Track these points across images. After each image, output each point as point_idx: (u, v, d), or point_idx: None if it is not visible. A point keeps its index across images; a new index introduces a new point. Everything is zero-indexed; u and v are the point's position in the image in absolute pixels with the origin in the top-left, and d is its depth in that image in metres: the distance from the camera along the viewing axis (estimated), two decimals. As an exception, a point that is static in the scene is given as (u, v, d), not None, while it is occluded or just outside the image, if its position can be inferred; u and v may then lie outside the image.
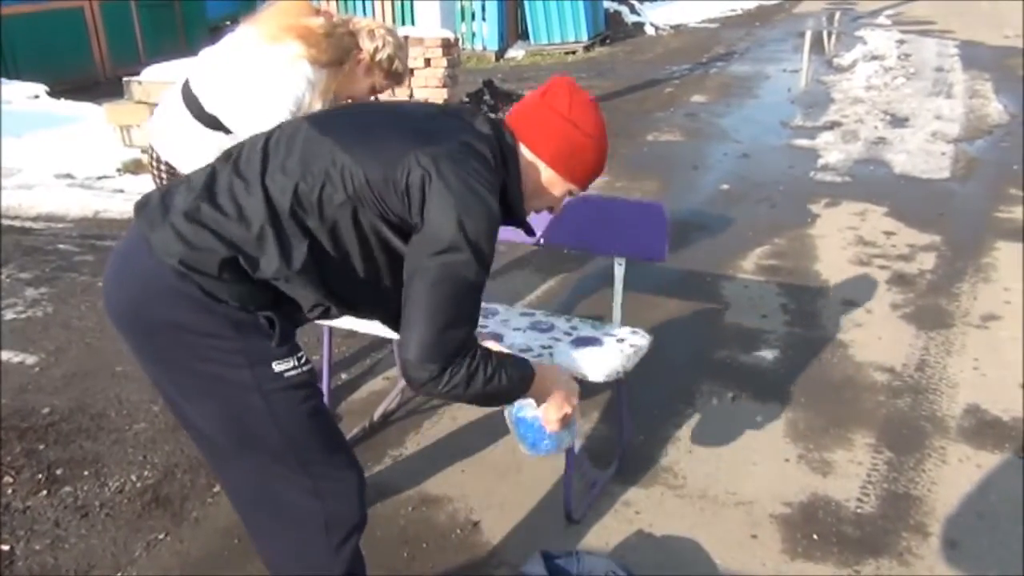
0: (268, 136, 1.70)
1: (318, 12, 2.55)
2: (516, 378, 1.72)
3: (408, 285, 1.60)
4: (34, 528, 2.59)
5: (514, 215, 1.77)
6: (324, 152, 1.61)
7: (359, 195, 1.58)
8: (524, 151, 1.76)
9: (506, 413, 1.95)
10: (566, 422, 1.87)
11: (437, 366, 1.58)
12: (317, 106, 2.54)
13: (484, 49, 12.21)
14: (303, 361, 1.68)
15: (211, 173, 1.66)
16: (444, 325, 1.57)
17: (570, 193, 1.84)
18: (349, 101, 2.70)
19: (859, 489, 2.74)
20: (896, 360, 3.53)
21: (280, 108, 2.41)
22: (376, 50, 2.60)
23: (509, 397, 1.77)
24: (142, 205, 1.67)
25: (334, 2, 12.07)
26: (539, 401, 1.84)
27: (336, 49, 2.51)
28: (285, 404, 1.65)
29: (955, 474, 2.80)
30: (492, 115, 1.81)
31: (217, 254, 1.55)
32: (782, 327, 3.84)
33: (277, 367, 1.63)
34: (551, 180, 1.78)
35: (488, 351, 1.68)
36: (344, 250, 1.63)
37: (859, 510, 2.64)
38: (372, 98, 2.81)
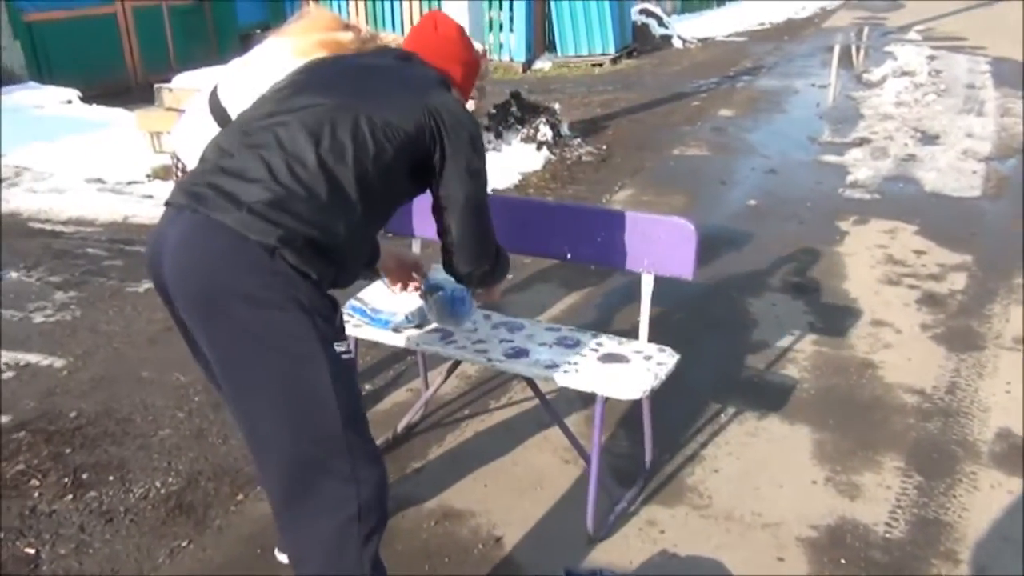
0: (291, 108, 1.87)
1: (347, 26, 2.56)
2: (507, 261, 2.31)
3: (448, 204, 2.00)
4: (59, 532, 2.60)
5: None
6: (363, 115, 1.85)
7: (401, 142, 1.87)
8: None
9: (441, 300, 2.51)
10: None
11: (486, 261, 2.14)
12: None
13: (511, 60, 12.23)
14: (350, 347, 1.89)
15: (262, 160, 1.79)
16: (482, 227, 2.08)
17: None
18: None
19: (888, 513, 2.70)
20: (926, 382, 3.48)
21: None
22: None
23: (502, 276, 2.33)
24: (198, 198, 1.77)
25: (362, 16, 12.18)
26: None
27: None
28: (345, 382, 1.82)
29: (986, 500, 2.75)
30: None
31: (299, 232, 1.73)
32: (810, 346, 3.80)
33: (338, 348, 1.81)
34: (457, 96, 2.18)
35: None
36: (382, 193, 1.90)
37: (888, 535, 2.60)
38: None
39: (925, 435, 3.12)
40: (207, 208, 1.74)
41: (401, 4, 12.08)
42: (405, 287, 2.51)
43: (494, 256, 2.17)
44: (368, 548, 1.87)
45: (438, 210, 2.04)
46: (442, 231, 2.07)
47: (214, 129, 2.58)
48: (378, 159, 1.84)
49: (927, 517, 2.68)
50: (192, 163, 2.66)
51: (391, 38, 2.63)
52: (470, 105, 2.26)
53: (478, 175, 2.00)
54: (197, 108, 2.65)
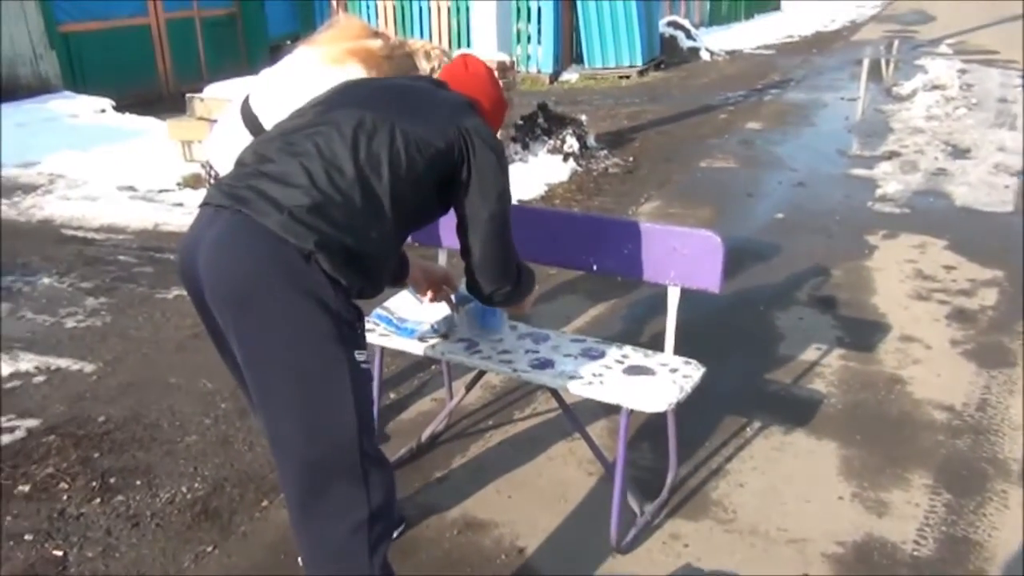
0: (330, 120, 1.93)
1: (376, 34, 2.58)
2: (533, 279, 2.36)
3: (472, 224, 2.06)
4: (87, 535, 2.63)
5: None
6: (399, 130, 1.91)
7: (432, 158, 1.94)
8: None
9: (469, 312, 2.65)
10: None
11: (510, 281, 2.19)
12: None
13: (538, 72, 12.27)
14: (369, 357, 1.92)
15: (303, 166, 1.84)
16: (505, 246, 2.13)
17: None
18: None
19: (916, 531, 2.66)
20: (956, 399, 3.43)
21: None
22: (433, 70, 2.61)
23: (528, 295, 2.38)
24: (240, 199, 1.82)
25: (391, 21, 12.29)
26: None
27: (396, 71, 2.53)
28: (363, 389, 1.88)
29: (1017, 519, 2.71)
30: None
31: (335, 239, 1.79)
32: (837, 361, 3.76)
33: (359, 356, 1.86)
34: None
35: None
36: (412, 206, 1.96)
37: (916, 553, 2.57)
38: None
39: (955, 452, 3.08)
40: (249, 209, 1.78)
41: (429, 9, 12.18)
42: (435, 297, 2.59)
43: (515, 277, 2.22)
44: (378, 553, 1.91)
45: (462, 229, 2.10)
46: (465, 250, 2.13)
47: (246, 138, 2.62)
48: (410, 171, 1.90)
49: (956, 535, 2.64)
50: (224, 170, 2.69)
51: (419, 45, 2.65)
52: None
53: (501, 197, 2.07)
54: (230, 117, 2.69)
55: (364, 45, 2.50)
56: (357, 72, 2.47)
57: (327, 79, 2.49)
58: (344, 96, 2.07)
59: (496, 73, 2.41)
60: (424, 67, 2.61)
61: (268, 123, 2.57)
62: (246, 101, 2.65)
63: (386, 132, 1.90)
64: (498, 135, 2.28)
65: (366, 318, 2.06)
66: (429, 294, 2.59)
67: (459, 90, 2.21)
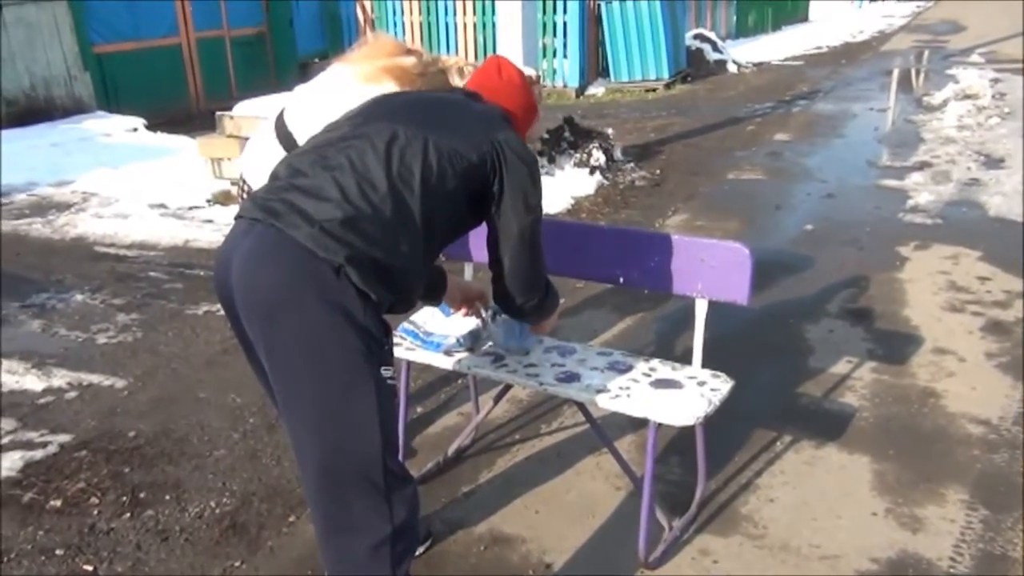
0: (363, 134, 1.94)
1: (409, 51, 2.60)
2: (557, 297, 2.37)
3: (503, 235, 2.08)
4: (117, 550, 2.65)
5: None
6: (431, 143, 1.92)
7: (464, 171, 1.95)
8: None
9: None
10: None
11: (538, 293, 2.21)
12: None
13: (565, 86, 12.29)
14: (395, 373, 1.93)
15: (335, 180, 1.85)
16: (534, 258, 2.14)
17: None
18: None
19: (952, 548, 2.60)
20: (992, 412, 3.37)
21: None
22: (466, 86, 2.62)
23: (552, 311, 2.41)
24: (273, 212, 1.82)
25: (418, 42, 12.37)
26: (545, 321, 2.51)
27: (429, 88, 2.55)
28: (387, 406, 1.88)
29: (1057, 536, 2.64)
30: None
31: (366, 253, 1.79)
32: (869, 374, 3.71)
33: (384, 372, 1.86)
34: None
35: None
36: (444, 220, 1.97)
37: (952, 570, 2.51)
38: None
39: (991, 467, 3.02)
40: (281, 223, 1.79)
41: (456, 25, 12.26)
42: (468, 312, 2.63)
43: (544, 289, 2.23)
44: (400, 570, 1.91)
45: (492, 241, 2.11)
46: (494, 261, 2.14)
47: (280, 153, 2.64)
48: (442, 185, 1.91)
49: (993, 552, 2.58)
50: (258, 186, 2.72)
51: (452, 62, 2.66)
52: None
53: (533, 210, 2.08)
54: (264, 133, 2.72)
55: (398, 63, 2.52)
56: (391, 90, 2.49)
57: (361, 97, 2.51)
58: (378, 110, 2.08)
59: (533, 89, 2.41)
60: (458, 83, 2.62)
61: (302, 139, 2.59)
62: (280, 117, 2.68)
63: (419, 146, 1.91)
64: (528, 145, 2.29)
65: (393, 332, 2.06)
66: (463, 309, 2.61)
67: (492, 99, 2.22)
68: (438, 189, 1.91)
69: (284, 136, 2.64)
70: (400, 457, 2.12)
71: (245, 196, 2.77)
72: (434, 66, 2.59)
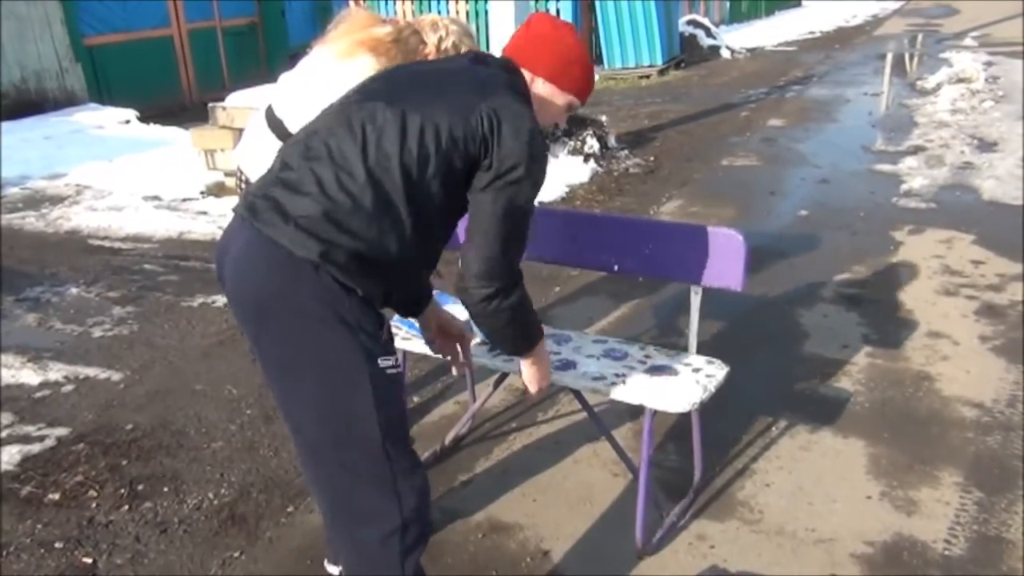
0: (346, 118, 1.84)
1: (384, 21, 2.58)
2: (536, 328, 2.06)
3: (476, 210, 1.85)
4: (116, 542, 2.66)
5: None
6: (411, 121, 1.79)
7: (448, 149, 1.79)
8: (525, 74, 2.02)
9: None
10: (541, 393, 2.25)
11: (497, 283, 1.86)
12: None
13: (558, 74, 12.25)
14: (398, 361, 1.89)
15: (313, 172, 1.78)
16: (505, 241, 1.84)
17: (570, 107, 2.09)
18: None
19: (947, 530, 2.62)
20: (985, 395, 3.38)
21: None
22: (440, 39, 2.57)
23: (526, 343, 2.06)
24: (253, 211, 1.79)
25: (409, 17, 12.32)
26: (522, 357, 2.13)
27: (405, 52, 2.53)
28: (387, 395, 1.83)
29: (1051, 517, 2.66)
30: (498, 59, 2.06)
31: (346, 247, 1.74)
32: (864, 358, 3.72)
33: (383, 363, 1.82)
34: (551, 92, 2.04)
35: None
36: (435, 205, 1.83)
37: (946, 552, 2.53)
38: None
39: (985, 450, 3.03)
40: (260, 222, 1.77)
41: (448, 12, 12.21)
42: (444, 350, 2.31)
43: (509, 286, 1.88)
44: (410, 560, 1.90)
45: (471, 217, 1.87)
46: (465, 244, 1.88)
47: (274, 143, 2.64)
48: (423, 168, 1.78)
49: (988, 534, 2.60)
50: (255, 176, 2.71)
51: (428, 19, 2.63)
52: (560, 101, 2.13)
53: (520, 182, 1.82)
54: (257, 125, 2.72)
55: (371, 34, 2.51)
56: (367, 62, 2.47)
57: (338, 75, 2.51)
58: (370, 86, 1.95)
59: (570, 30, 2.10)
60: (431, 39, 2.58)
61: (292, 126, 2.60)
62: (270, 108, 2.67)
63: (396, 126, 1.77)
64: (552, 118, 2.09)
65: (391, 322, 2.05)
66: (437, 342, 2.29)
67: (514, 58, 2.02)
68: (420, 173, 1.77)
69: (276, 126, 2.64)
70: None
71: (243, 185, 2.77)
72: (408, 29, 2.56)
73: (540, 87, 2.03)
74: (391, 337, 1.88)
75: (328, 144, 1.80)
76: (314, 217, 1.73)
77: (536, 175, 1.85)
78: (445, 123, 1.78)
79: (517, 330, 1.99)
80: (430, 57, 2.61)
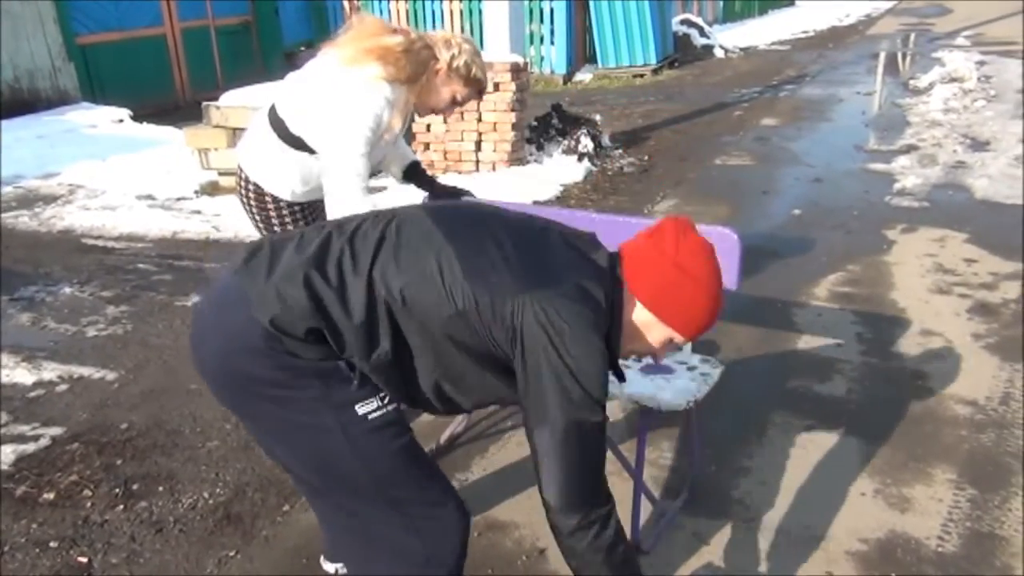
0: (391, 217, 1.68)
1: (395, 31, 2.59)
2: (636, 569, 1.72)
3: (535, 434, 1.58)
4: (111, 542, 2.65)
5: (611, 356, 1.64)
6: (443, 259, 1.58)
7: (466, 314, 1.56)
8: (626, 289, 1.66)
9: None
10: None
11: (580, 514, 1.59)
12: (397, 124, 2.60)
13: (552, 73, 12.28)
14: (387, 400, 1.67)
15: (325, 240, 1.65)
16: (578, 469, 1.58)
17: (671, 341, 1.72)
18: (432, 113, 2.78)
19: (940, 527, 2.64)
20: (979, 393, 3.40)
21: (360, 129, 2.47)
22: (453, 58, 2.62)
23: None
24: (251, 255, 1.68)
25: (403, 17, 12.32)
26: None
27: (414, 64, 2.55)
28: (371, 445, 1.65)
29: (1044, 514, 2.68)
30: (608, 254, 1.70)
31: (308, 322, 1.57)
32: (858, 356, 3.74)
33: (361, 409, 1.63)
34: (648, 323, 1.68)
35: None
36: (429, 356, 1.62)
37: (940, 549, 2.54)
38: (456, 111, 2.83)
39: (978, 447, 3.05)
40: (246, 273, 1.65)
41: (442, 11, 12.21)
42: None
43: (600, 514, 1.61)
44: None
45: (527, 431, 1.63)
46: (531, 450, 1.63)
47: (275, 142, 2.65)
48: (425, 327, 1.59)
49: (981, 531, 2.61)
50: (256, 176, 2.71)
51: (440, 35, 2.65)
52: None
53: (568, 406, 1.54)
54: (258, 123, 2.72)
55: (380, 42, 2.51)
56: (374, 70, 2.49)
57: (345, 80, 2.52)
58: (452, 217, 1.69)
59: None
60: (444, 56, 2.61)
61: (294, 127, 2.60)
62: (273, 107, 2.68)
63: (438, 264, 1.57)
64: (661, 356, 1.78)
65: None
66: None
67: (625, 260, 1.67)
68: (428, 312, 1.57)
69: (278, 126, 2.64)
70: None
71: (242, 184, 2.77)
72: (420, 42, 2.58)
73: (638, 312, 1.67)
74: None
75: (360, 227, 1.67)
76: (293, 281, 1.59)
77: (597, 399, 1.57)
78: (473, 288, 1.56)
79: (619, 568, 1.65)
80: (440, 73, 2.63)
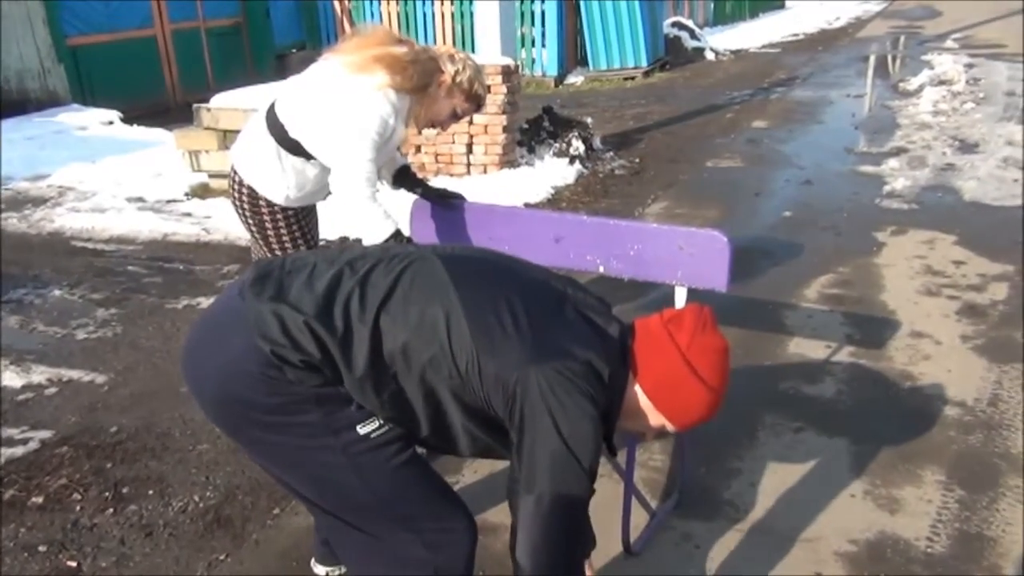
0: (405, 263, 1.67)
1: (401, 40, 2.60)
2: None
3: (522, 499, 1.58)
4: (100, 545, 2.64)
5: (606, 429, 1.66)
6: (452, 317, 1.57)
7: (468, 376, 1.57)
8: (632, 370, 1.69)
9: None
10: None
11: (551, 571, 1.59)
12: (401, 131, 2.62)
13: (543, 75, 12.29)
14: (381, 424, 1.67)
15: (336, 278, 1.65)
16: (555, 543, 1.58)
17: (664, 428, 1.74)
18: (432, 126, 2.79)
19: (929, 528, 2.65)
20: (967, 394, 3.42)
21: (368, 134, 2.48)
22: (457, 72, 2.65)
23: None
24: (259, 279, 1.67)
25: (394, 19, 12.30)
26: None
27: (421, 75, 2.57)
28: (373, 464, 1.66)
29: (1031, 515, 2.69)
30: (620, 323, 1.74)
31: (310, 356, 1.58)
32: (847, 358, 3.75)
33: (362, 430, 1.64)
34: (646, 407, 1.69)
35: None
36: (427, 409, 1.63)
37: (929, 550, 2.56)
38: (455, 123, 2.85)
39: (967, 448, 3.06)
40: (252, 298, 1.65)
41: (433, 14, 12.21)
42: None
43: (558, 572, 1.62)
44: None
45: (511, 485, 1.63)
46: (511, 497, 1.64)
47: (272, 145, 2.65)
48: (423, 376, 1.60)
49: (969, 532, 2.63)
50: (250, 179, 2.71)
51: (444, 49, 2.68)
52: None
53: (556, 478, 1.55)
54: (255, 125, 2.72)
55: (388, 51, 2.53)
56: (381, 78, 2.50)
57: (352, 87, 2.52)
58: (466, 270, 1.69)
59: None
60: (449, 69, 2.64)
61: (293, 131, 2.61)
62: (271, 109, 2.68)
63: (445, 321, 1.57)
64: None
65: None
66: None
67: (637, 337, 1.71)
68: (427, 369, 1.58)
69: (276, 129, 2.64)
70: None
71: (235, 187, 2.76)
72: (425, 54, 2.61)
73: (639, 395, 1.69)
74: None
75: (374, 269, 1.67)
76: (298, 312, 1.59)
77: (588, 472, 1.57)
78: (477, 351, 1.56)
79: None
80: (443, 86, 2.64)
